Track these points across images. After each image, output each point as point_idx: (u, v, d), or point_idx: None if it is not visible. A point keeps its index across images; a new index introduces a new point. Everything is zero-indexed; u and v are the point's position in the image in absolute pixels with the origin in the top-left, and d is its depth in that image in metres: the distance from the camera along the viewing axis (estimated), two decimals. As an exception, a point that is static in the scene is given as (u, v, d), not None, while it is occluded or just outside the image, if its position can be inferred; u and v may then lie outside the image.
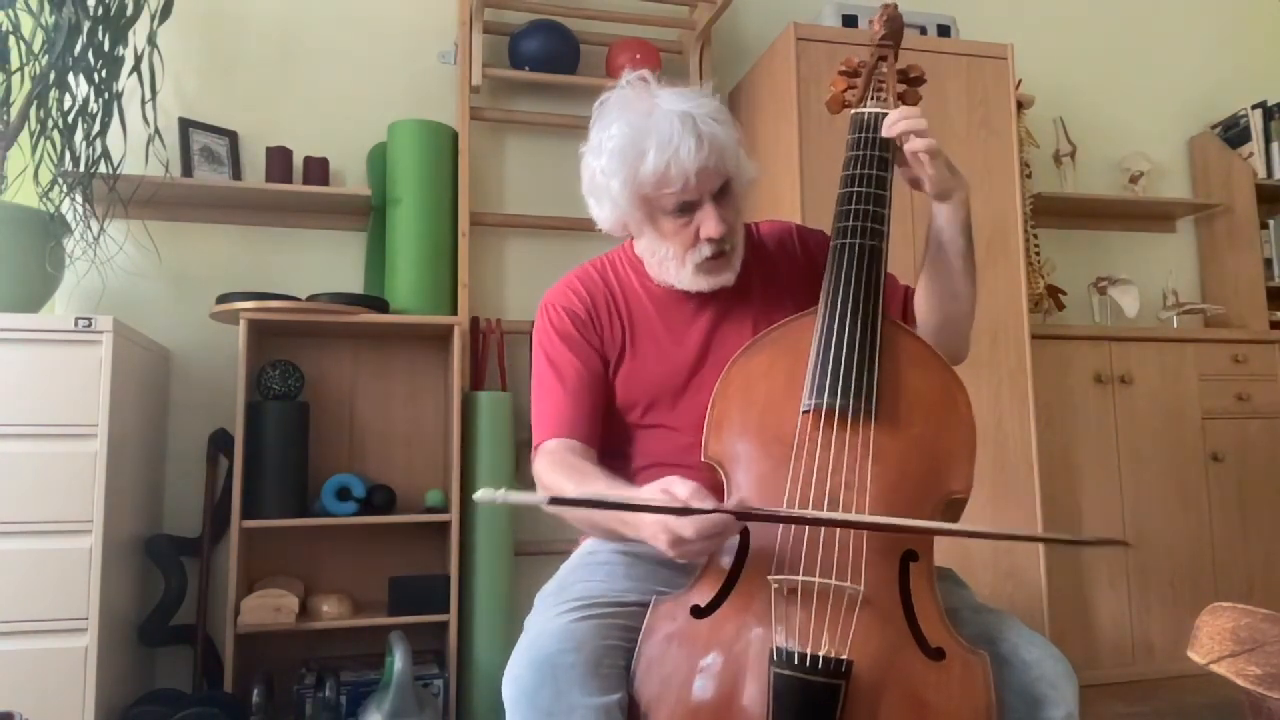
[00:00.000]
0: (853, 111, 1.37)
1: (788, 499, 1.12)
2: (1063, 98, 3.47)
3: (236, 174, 2.69)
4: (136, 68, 2.27)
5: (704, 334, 1.34)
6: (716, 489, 1.19)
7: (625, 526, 1.13)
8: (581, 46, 2.94)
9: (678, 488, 1.04)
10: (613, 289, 1.39)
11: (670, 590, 1.15)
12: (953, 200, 1.27)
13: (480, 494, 0.92)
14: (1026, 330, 2.71)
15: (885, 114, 1.32)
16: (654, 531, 1.05)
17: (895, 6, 1.41)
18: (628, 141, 1.23)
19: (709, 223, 1.26)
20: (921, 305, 1.36)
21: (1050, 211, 3.33)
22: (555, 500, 0.99)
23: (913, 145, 1.23)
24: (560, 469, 1.25)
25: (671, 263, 1.31)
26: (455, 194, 2.76)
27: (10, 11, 2.18)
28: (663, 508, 1.03)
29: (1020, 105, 2.98)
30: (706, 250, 1.28)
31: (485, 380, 2.73)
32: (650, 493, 1.06)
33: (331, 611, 2.39)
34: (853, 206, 1.28)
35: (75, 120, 2.24)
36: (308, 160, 2.70)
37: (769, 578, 1.08)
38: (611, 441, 1.36)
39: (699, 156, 1.21)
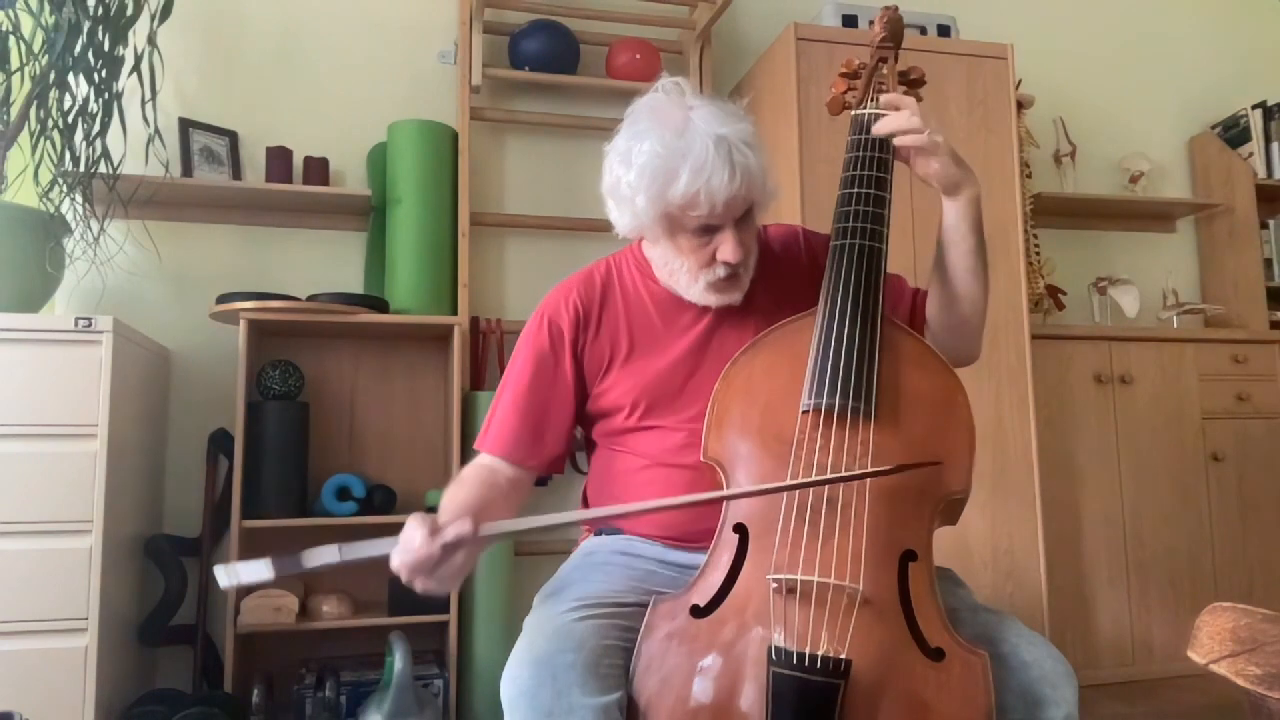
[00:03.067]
0: (853, 113, 1.38)
1: (787, 498, 1.12)
2: (1063, 98, 3.47)
3: (236, 174, 2.69)
4: (136, 68, 2.27)
5: (704, 335, 1.34)
6: (716, 488, 1.19)
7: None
8: (581, 46, 2.94)
9: (405, 529, 1.09)
10: (611, 293, 1.39)
11: (669, 590, 1.15)
12: (962, 195, 1.27)
13: (219, 571, 1.02)
14: (1026, 330, 2.71)
15: (885, 115, 1.32)
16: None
17: (896, 9, 1.42)
18: (660, 161, 1.20)
19: (727, 247, 1.25)
20: (933, 307, 1.36)
21: (1050, 211, 3.33)
22: (281, 572, 1.03)
23: (903, 141, 1.25)
24: (455, 487, 1.31)
25: (683, 276, 1.31)
26: (455, 194, 2.76)
27: (10, 11, 2.18)
28: (377, 556, 1.08)
29: (1020, 105, 2.98)
30: (721, 272, 1.28)
31: (485, 380, 2.73)
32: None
33: (331, 611, 2.39)
34: (852, 208, 1.29)
35: (75, 120, 2.24)
36: (308, 160, 2.70)
37: (768, 577, 1.08)
38: (612, 442, 1.37)
39: (730, 186, 1.20)
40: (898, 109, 1.29)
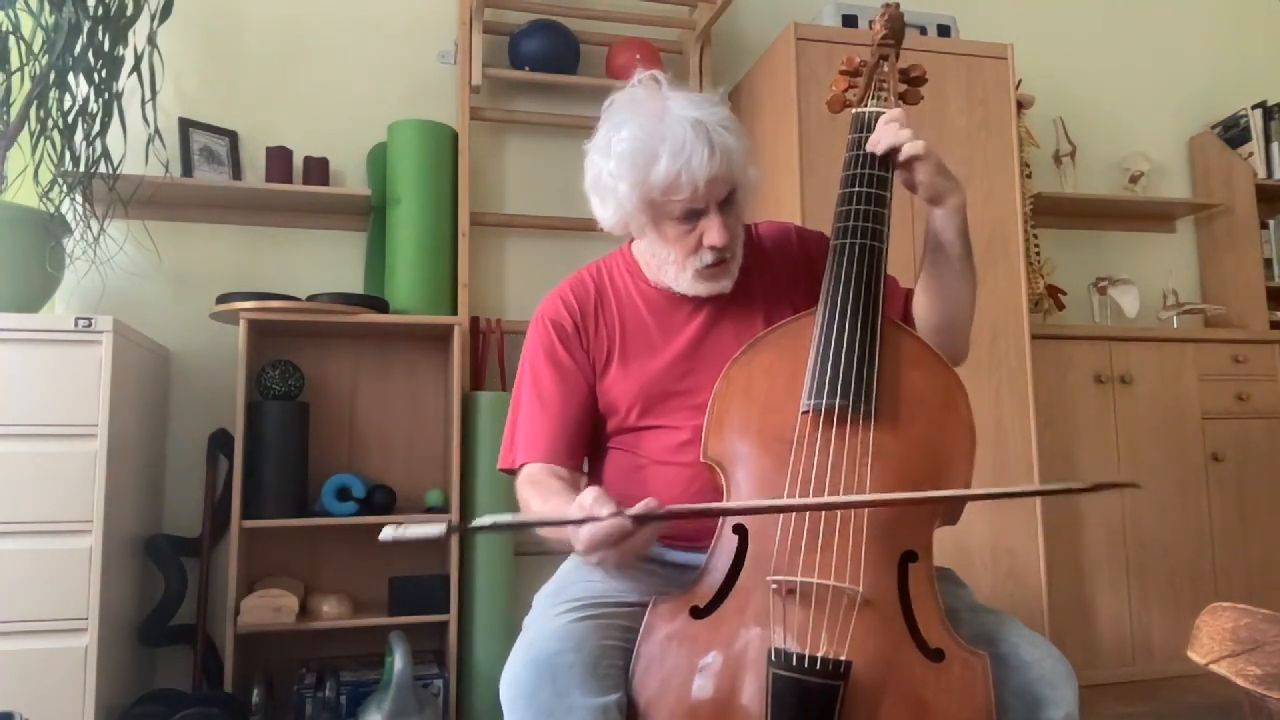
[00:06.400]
0: (854, 111, 1.37)
1: (786, 498, 1.12)
2: (1063, 98, 3.47)
3: (236, 174, 2.69)
4: (136, 68, 2.27)
5: (698, 334, 1.34)
6: (716, 489, 1.19)
7: (563, 543, 1.12)
8: (581, 46, 2.94)
9: (584, 497, 1.05)
10: (605, 294, 1.39)
11: (669, 591, 1.15)
12: (947, 205, 1.26)
13: (384, 532, 0.95)
14: (1026, 330, 2.71)
15: (880, 123, 1.32)
16: (577, 544, 1.05)
17: (897, 6, 1.41)
18: (639, 146, 1.22)
19: (713, 231, 1.25)
20: (920, 308, 1.36)
21: (1050, 211, 3.33)
22: (454, 529, 0.98)
23: (903, 153, 1.23)
24: (536, 490, 1.26)
25: (671, 267, 1.31)
26: (455, 194, 2.76)
27: (10, 11, 2.18)
28: (567, 520, 1.04)
29: (1020, 105, 2.98)
30: (708, 258, 1.28)
31: (485, 380, 2.73)
32: (574, 509, 1.06)
33: (331, 611, 2.39)
34: (853, 207, 1.28)
35: (75, 120, 2.23)
36: (308, 160, 2.70)
37: (768, 578, 1.08)
38: (614, 442, 1.37)
39: (710, 166, 1.21)
40: (887, 122, 1.27)
